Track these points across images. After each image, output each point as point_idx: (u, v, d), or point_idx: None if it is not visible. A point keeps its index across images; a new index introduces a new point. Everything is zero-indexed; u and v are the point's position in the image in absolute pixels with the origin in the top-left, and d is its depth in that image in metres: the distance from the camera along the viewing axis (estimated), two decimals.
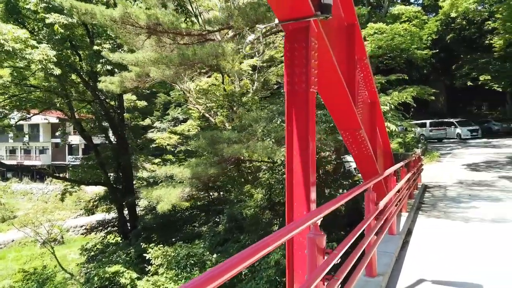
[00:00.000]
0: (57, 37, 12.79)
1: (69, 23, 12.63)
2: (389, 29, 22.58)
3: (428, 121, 29.40)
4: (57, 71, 11.20)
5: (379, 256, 4.74)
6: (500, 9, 19.84)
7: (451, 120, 29.28)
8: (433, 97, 21.06)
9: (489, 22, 26.75)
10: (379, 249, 5.00)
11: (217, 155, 7.98)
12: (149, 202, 15.02)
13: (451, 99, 35.45)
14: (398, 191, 6.49)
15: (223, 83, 17.40)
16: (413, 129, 18.64)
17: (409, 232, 6.45)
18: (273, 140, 7.86)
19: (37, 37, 13.01)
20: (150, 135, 24.08)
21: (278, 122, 8.21)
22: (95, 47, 11.64)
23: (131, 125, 25.73)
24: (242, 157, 8.18)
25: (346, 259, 3.36)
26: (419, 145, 20.60)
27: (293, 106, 3.23)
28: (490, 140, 25.91)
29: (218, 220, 14.68)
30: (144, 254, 10.25)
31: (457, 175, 13.69)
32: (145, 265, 10.76)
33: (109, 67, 13.04)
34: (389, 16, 26.26)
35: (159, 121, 30.43)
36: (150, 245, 10.34)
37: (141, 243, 11.42)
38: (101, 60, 12.84)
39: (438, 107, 34.89)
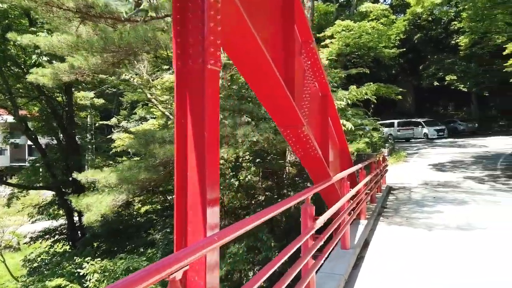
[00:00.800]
0: None
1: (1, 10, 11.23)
2: (357, 27, 22.21)
3: (396, 121, 29.55)
4: None
5: (324, 281, 3.89)
6: (466, 7, 19.81)
7: (419, 120, 29.52)
8: (400, 97, 20.82)
9: (455, 22, 26.95)
10: (325, 271, 4.16)
11: (153, 156, 6.98)
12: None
13: (419, 99, 35.82)
14: (353, 197, 5.71)
15: None
16: (380, 128, 18.26)
17: (365, 244, 5.67)
18: None
19: None
20: (115, 135, 22.56)
21: (220, 118, 7.26)
22: (28, 35, 10.31)
23: (96, 125, 24.02)
24: None
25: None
26: (387, 145, 20.29)
27: (186, 90, 2.28)
28: (456, 139, 26.15)
29: None
30: (79, 270, 9.03)
31: (423, 176, 13.33)
32: (83, 280, 9.54)
33: (45, 58, 11.70)
34: (357, 14, 25.97)
35: (126, 121, 28.97)
36: (86, 259, 9.13)
37: (75, 257, 10.17)
38: (36, 51, 11.49)
39: (406, 107, 35.17)
